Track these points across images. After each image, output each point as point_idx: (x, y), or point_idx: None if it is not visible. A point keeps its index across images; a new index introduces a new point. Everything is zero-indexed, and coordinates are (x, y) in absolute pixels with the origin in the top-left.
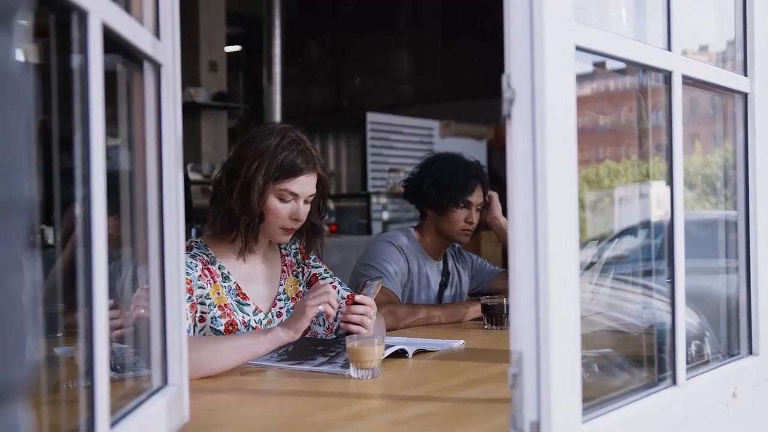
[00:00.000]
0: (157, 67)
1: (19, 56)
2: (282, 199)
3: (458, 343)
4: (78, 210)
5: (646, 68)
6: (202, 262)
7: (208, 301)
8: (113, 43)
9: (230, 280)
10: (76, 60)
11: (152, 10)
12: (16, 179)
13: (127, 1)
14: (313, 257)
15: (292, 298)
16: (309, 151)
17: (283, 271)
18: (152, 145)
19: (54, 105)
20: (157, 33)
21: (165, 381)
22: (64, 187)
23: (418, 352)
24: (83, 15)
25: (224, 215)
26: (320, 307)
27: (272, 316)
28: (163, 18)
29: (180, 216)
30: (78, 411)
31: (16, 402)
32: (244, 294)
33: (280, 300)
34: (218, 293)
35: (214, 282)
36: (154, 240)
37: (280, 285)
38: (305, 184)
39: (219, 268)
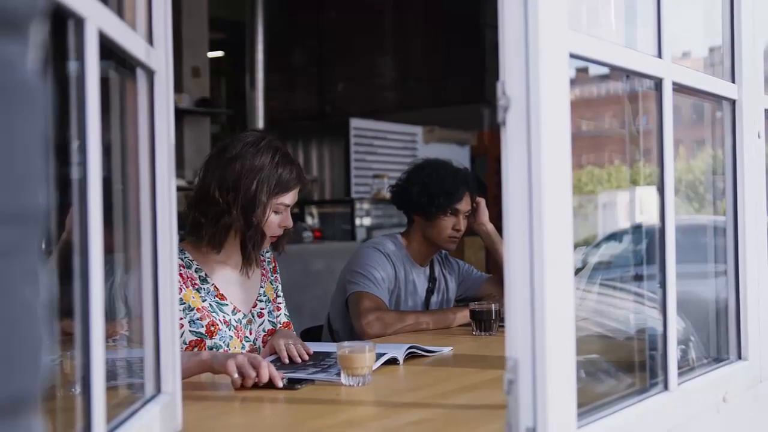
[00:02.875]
0: (150, 73)
1: (34, 65)
2: (276, 212)
3: (447, 350)
4: (74, 217)
5: (637, 75)
6: None
7: (182, 306)
8: (107, 49)
9: (208, 282)
10: (72, 66)
11: (145, 17)
12: (30, 189)
13: (119, 8)
14: (278, 272)
15: (272, 300)
16: (297, 164)
17: (263, 275)
18: (145, 151)
19: (49, 111)
20: (150, 40)
21: (158, 389)
22: (58, 193)
23: (410, 357)
24: (80, 22)
25: (223, 230)
26: (235, 375)
27: (253, 316)
28: (155, 25)
29: (173, 223)
30: (71, 419)
31: (31, 412)
32: (223, 295)
33: (261, 301)
34: (193, 297)
35: (187, 287)
36: (147, 248)
37: (261, 287)
38: (295, 195)
39: (196, 271)
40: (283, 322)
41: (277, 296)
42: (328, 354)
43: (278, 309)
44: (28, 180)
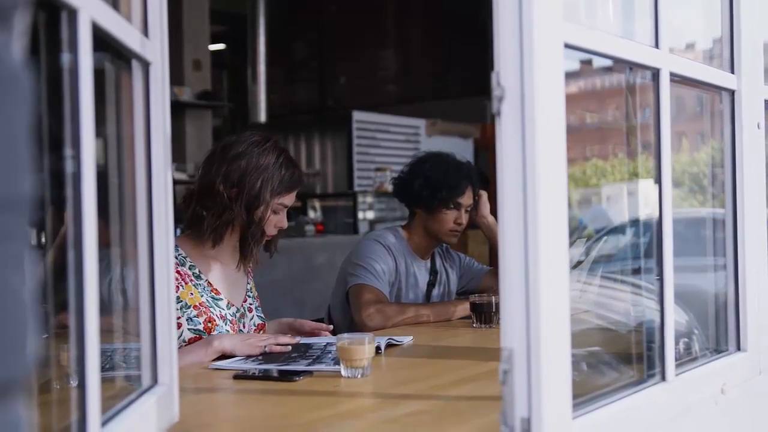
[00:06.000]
0: (145, 65)
1: (19, 53)
2: (275, 212)
3: (407, 339)
4: (68, 211)
5: (634, 65)
6: None
7: (179, 304)
8: (101, 41)
9: (202, 279)
10: (65, 58)
11: (140, 8)
12: (17, 177)
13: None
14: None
15: (256, 297)
16: (299, 167)
17: (249, 273)
18: (141, 144)
19: (42, 104)
20: (145, 31)
21: (155, 380)
22: (50, 187)
23: (388, 346)
24: (72, 13)
25: (224, 225)
26: (266, 349)
27: (244, 310)
28: (151, 16)
29: (169, 216)
30: (67, 411)
31: (17, 398)
32: (216, 290)
33: (249, 296)
34: (191, 294)
35: (186, 284)
36: (143, 240)
37: (248, 283)
38: (293, 197)
39: (189, 268)
40: (258, 324)
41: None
42: (309, 345)
43: (260, 306)
44: (14, 168)
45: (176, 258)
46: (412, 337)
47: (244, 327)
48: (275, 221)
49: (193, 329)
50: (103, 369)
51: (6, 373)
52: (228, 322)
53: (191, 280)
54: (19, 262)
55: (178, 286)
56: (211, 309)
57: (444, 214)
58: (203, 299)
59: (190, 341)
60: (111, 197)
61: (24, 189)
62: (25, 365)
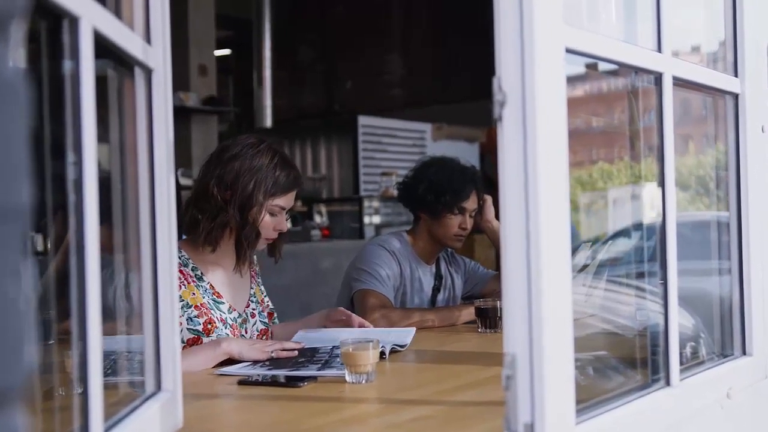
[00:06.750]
0: (148, 72)
1: (16, 62)
2: (272, 214)
3: (410, 333)
4: (70, 217)
5: (636, 70)
6: None
7: (180, 303)
8: (103, 48)
9: (204, 281)
10: (66, 65)
11: (142, 15)
12: (14, 185)
13: (117, 7)
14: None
15: (260, 301)
16: (296, 168)
17: (252, 277)
18: (144, 150)
19: (44, 111)
20: (147, 38)
21: (158, 387)
22: (55, 193)
23: (392, 352)
24: (74, 21)
25: (219, 228)
26: (273, 354)
27: (247, 316)
28: (153, 23)
29: (172, 222)
30: (71, 418)
31: (14, 406)
32: (219, 293)
33: (252, 302)
34: (193, 294)
35: (188, 284)
36: (147, 247)
37: (251, 288)
38: (292, 199)
39: (192, 270)
40: (261, 329)
41: (264, 296)
42: (316, 350)
43: (264, 311)
44: (11, 177)
45: (179, 259)
46: (414, 329)
47: (246, 332)
48: (274, 224)
49: (193, 329)
50: (105, 374)
51: (4, 381)
52: (228, 326)
53: (193, 281)
54: (14, 271)
55: (180, 285)
56: (212, 311)
57: (448, 218)
58: (204, 300)
59: (189, 342)
60: (114, 203)
61: (22, 198)
62: (22, 373)
